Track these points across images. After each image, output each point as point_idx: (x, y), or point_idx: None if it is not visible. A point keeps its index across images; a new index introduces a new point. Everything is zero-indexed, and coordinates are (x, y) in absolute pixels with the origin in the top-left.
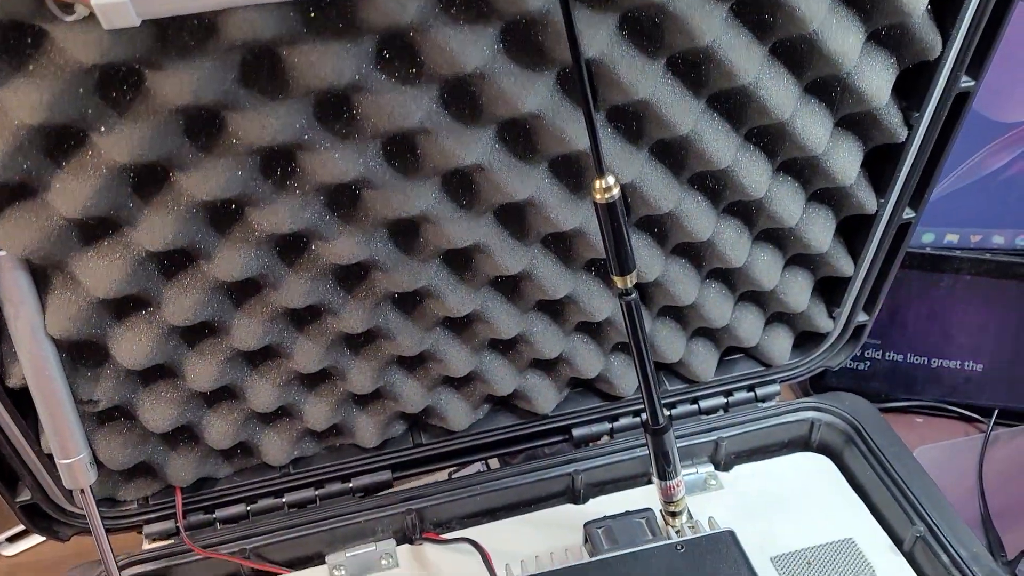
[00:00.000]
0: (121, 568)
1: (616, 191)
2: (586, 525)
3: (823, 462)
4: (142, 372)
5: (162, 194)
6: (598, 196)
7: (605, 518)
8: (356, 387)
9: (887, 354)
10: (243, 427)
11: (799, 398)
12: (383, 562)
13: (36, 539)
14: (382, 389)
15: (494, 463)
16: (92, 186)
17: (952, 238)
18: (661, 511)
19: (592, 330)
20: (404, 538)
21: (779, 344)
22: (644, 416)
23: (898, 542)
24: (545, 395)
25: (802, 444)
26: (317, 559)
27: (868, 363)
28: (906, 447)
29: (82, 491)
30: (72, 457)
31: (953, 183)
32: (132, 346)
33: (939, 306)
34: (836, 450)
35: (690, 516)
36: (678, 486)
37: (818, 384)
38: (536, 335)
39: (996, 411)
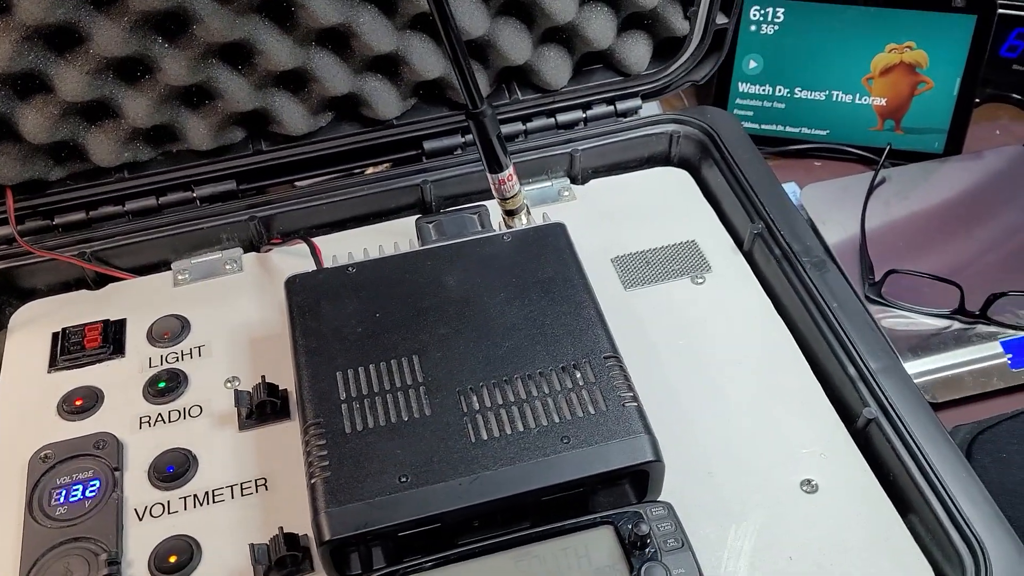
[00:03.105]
0: None
1: None
2: (417, 220)
3: (680, 175)
4: None
5: None
6: None
7: (438, 214)
8: (172, 79)
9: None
10: (61, 122)
11: None
12: (227, 266)
13: None
14: (206, 85)
15: None
16: None
17: None
18: (502, 214)
19: (428, 25)
20: (251, 247)
21: (636, 50)
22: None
23: (739, 242)
24: (387, 99)
25: (662, 160)
26: (163, 266)
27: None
28: (760, 156)
29: None
30: None
31: None
32: None
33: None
34: (695, 164)
35: (529, 217)
36: (509, 179)
37: None
38: (364, 27)
39: (887, 148)
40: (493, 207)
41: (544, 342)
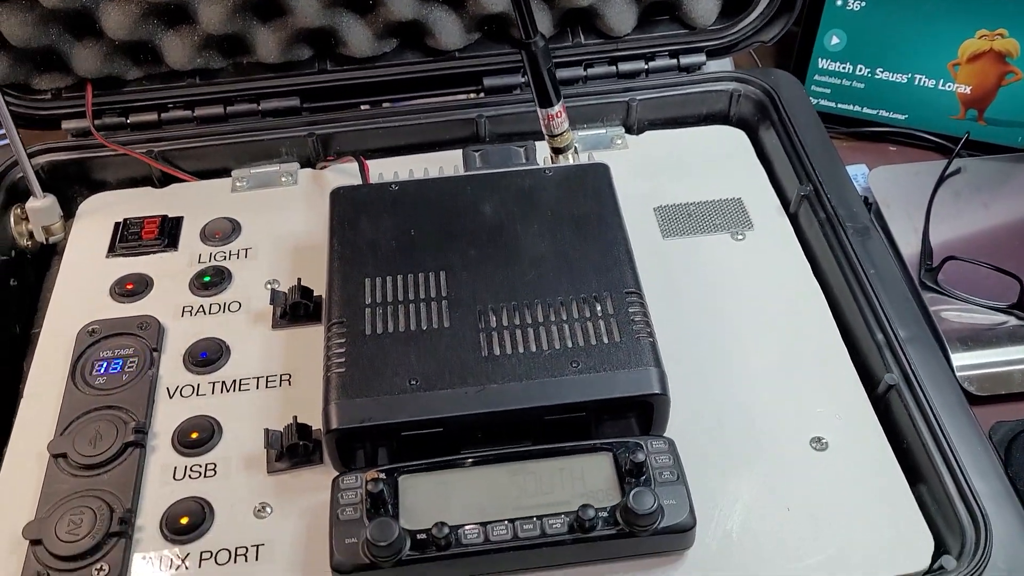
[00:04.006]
0: (33, 155)
1: None
2: (464, 149)
3: (736, 135)
4: None
5: None
6: None
7: (486, 144)
8: None
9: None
10: (141, 21)
11: None
12: (283, 179)
13: None
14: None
15: None
16: None
17: None
18: (549, 152)
19: None
20: (308, 163)
21: (703, 3)
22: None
23: (786, 205)
24: (450, 30)
25: (721, 119)
26: (224, 173)
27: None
28: (819, 121)
29: None
30: None
31: None
32: None
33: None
34: (752, 125)
35: (576, 157)
36: (558, 116)
37: None
38: None
39: (965, 137)
40: (544, 148)
41: (569, 273)
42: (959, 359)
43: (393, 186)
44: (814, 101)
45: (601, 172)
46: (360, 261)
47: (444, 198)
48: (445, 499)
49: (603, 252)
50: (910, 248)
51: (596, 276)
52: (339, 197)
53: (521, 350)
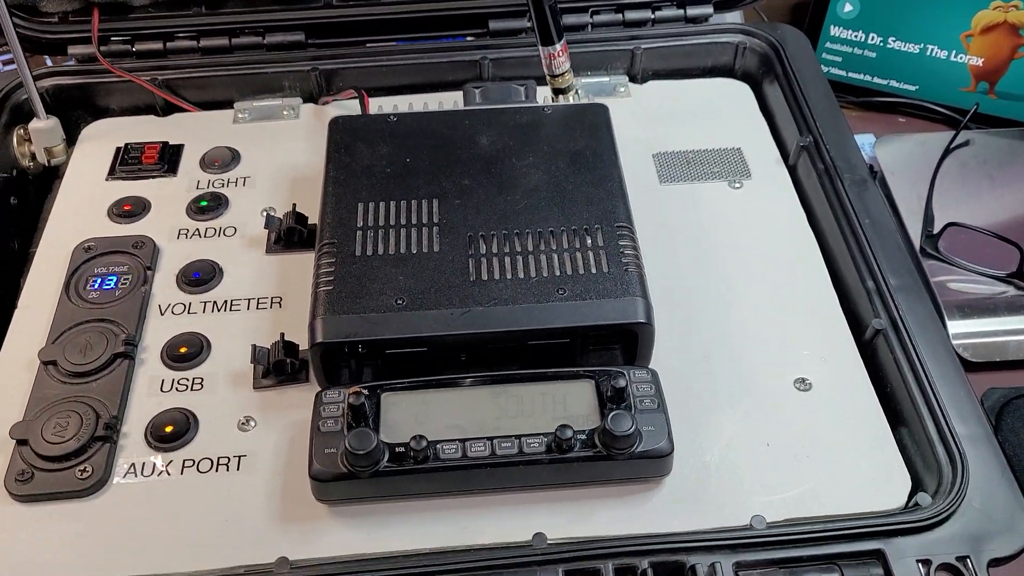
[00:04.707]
0: (39, 78)
1: None
2: (465, 86)
3: (740, 88)
4: None
5: None
6: None
7: (487, 81)
8: None
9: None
10: None
11: None
12: (285, 113)
13: None
14: None
15: None
16: None
17: None
18: (550, 92)
19: None
20: (310, 98)
21: None
22: None
23: (785, 157)
24: None
25: (725, 72)
26: (227, 105)
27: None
28: (823, 76)
29: None
30: None
31: None
32: None
33: None
34: (756, 79)
35: (578, 99)
36: (559, 55)
37: None
38: None
39: (974, 108)
40: (545, 94)
41: (561, 205)
42: (956, 327)
43: (392, 117)
44: (825, 70)
45: (600, 112)
46: (354, 186)
47: (442, 130)
48: (426, 417)
49: (596, 186)
50: (913, 217)
51: (588, 208)
52: (337, 125)
53: (509, 276)
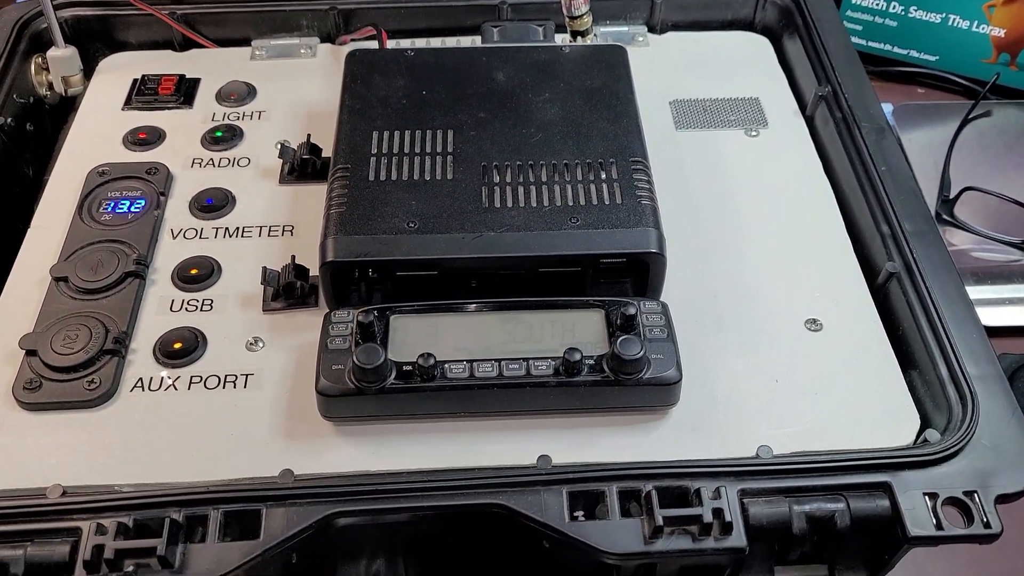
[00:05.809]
0: (59, 8)
1: None
2: (483, 24)
3: (760, 41)
4: None
5: None
6: None
7: (506, 20)
8: None
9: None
10: None
11: None
12: (302, 51)
13: None
14: None
15: None
16: None
17: None
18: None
19: None
20: (328, 38)
21: None
22: None
23: (803, 107)
24: None
25: (745, 25)
26: (244, 43)
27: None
28: (843, 29)
29: None
30: None
31: None
32: None
33: None
34: (776, 33)
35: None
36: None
37: None
38: None
39: (994, 79)
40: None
41: (576, 139)
42: (969, 293)
43: (409, 51)
44: None
45: (618, 52)
46: (369, 115)
47: (459, 65)
48: (434, 338)
49: (612, 122)
50: (930, 184)
51: (603, 143)
52: (355, 58)
53: (522, 204)
